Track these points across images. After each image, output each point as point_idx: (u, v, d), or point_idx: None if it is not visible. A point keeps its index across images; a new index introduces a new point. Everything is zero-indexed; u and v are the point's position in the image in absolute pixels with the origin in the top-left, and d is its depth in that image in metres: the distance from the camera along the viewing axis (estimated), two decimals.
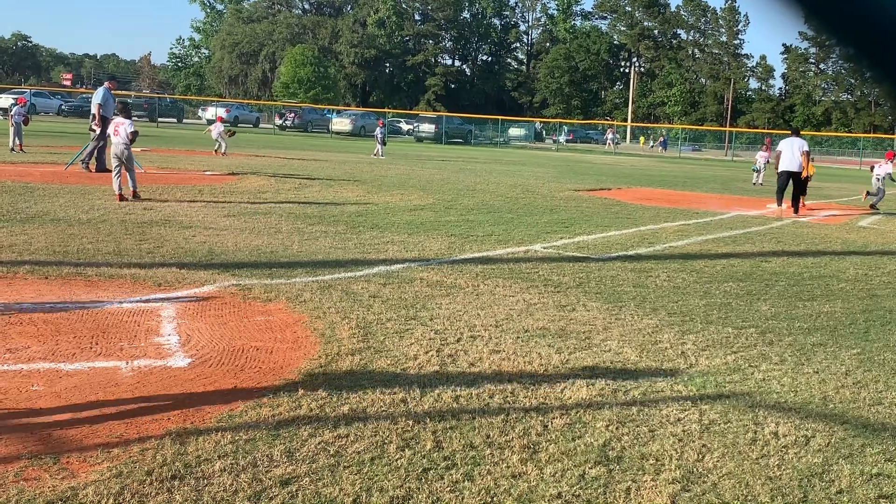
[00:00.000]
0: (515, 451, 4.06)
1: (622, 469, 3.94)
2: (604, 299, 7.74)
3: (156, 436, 4.03)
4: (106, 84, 18.79)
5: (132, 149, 13.60)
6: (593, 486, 3.74)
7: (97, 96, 18.19)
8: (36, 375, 4.87)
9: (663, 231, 13.30)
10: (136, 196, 13.54)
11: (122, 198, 13.23)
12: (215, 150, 27.04)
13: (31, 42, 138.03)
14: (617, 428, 4.46)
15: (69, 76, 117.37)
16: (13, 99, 56.28)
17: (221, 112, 50.17)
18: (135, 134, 13.50)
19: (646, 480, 3.83)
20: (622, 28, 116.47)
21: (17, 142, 22.51)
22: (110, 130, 13.84)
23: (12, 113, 23.11)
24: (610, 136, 70.70)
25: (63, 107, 60.55)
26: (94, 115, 18.08)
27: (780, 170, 18.72)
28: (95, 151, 18.10)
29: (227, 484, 3.55)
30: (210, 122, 29.35)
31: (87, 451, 3.83)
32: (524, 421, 4.48)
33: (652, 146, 79.18)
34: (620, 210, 16.46)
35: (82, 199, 12.95)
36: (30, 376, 4.85)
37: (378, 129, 33.82)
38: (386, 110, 74.32)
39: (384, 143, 33.09)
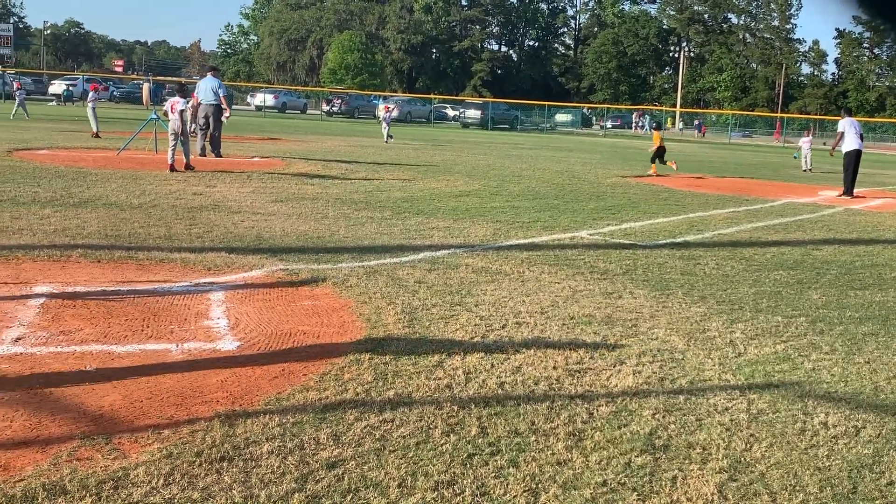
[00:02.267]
0: (560, 439, 4.06)
1: (668, 458, 3.92)
2: (651, 287, 7.67)
3: (205, 418, 4.09)
4: (209, 74, 20.07)
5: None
6: (639, 474, 3.72)
7: (216, 84, 19.30)
8: (89, 357, 4.98)
9: (712, 218, 13.14)
10: (188, 167, 15.61)
11: (172, 168, 15.18)
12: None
13: (83, 29, 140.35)
14: (663, 416, 4.43)
15: (121, 63, 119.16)
16: (66, 85, 57.53)
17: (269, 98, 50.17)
18: (183, 113, 15.48)
19: (692, 469, 3.80)
20: (671, 12, 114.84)
21: (95, 128, 23.71)
22: (167, 107, 15.92)
23: (89, 99, 24.14)
24: (637, 119, 69.87)
25: (115, 93, 61.50)
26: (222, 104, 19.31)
27: (848, 149, 18.33)
28: (215, 138, 19.20)
29: (274, 466, 3.60)
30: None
31: (138, 432, 3.90)
32: (569, 408, 4.47)
33: (683, 129, 77.50)
34: (669, 196, 16.29)
35: (134, 184, 13.16)
36: (83, 358, 4.96)
37: (384, 113, 33.33)
38: (432, 96, 74.28)
39: (388, 126, 31.92)
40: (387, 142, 30.29)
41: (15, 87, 36.93)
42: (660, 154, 21.83)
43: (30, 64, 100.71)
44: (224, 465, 3.59)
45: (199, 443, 3.79)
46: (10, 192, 11.39)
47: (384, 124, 32.12)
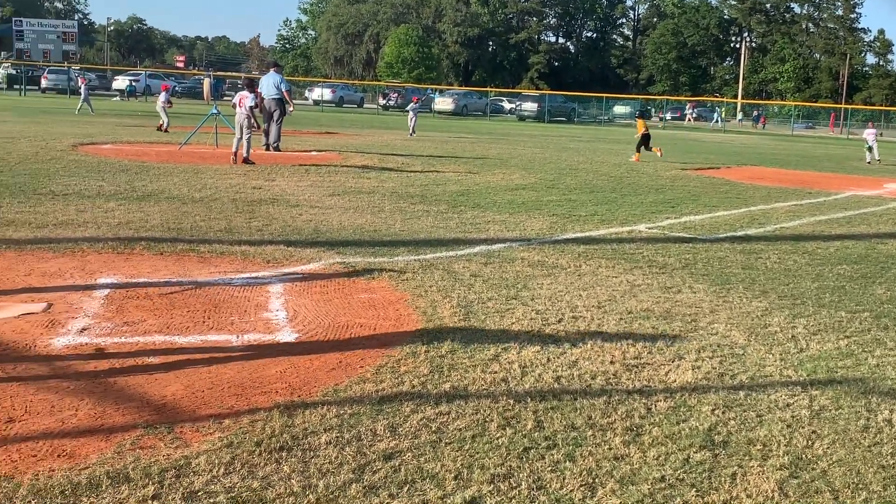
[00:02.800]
0: (618, 434, 4.03)
1: (728, 454, 3.87)
2: (711, 281, 7.57)
3: (264, 408, 4.15)
4: (272, 70, 20.47)
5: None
6: (698, 470, 3.68)
7: (278, 79, 19.74)
8: (152, 347, 5.08)
9: (774, 211, 12.91)
10: (247, 161, 15.98)
11: (245, 160, 15.93)
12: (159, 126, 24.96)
13: (146, 25, 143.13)
14: (723, 412, 4.37)
15: (182, 58, 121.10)
16: (129, 80, 58.73)
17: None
18: (252, 109, 16.10)
19: (752, 466, 3.74)
20: (733, 2, 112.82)
21: (166, 123, 24.35)
22: (236, 101, 16.54)
23: (161, 99, 24.80)
24: (689, 110, 68.75)
25: (176, 88, 62.51)
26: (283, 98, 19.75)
27: None
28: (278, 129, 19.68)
29: (332, 456, 3.64)
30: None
31: (200, 422, 3.97)
32: (627, 403, 4.44)
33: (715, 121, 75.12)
34: (729, 189, 16.04)
35: (195, 178, 13.38)
36: (146, 348, 5.06)
37: (412, 104, 31.72)
38: (488, 89, 74.11)
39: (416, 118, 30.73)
40: (412, 134, 29.34)
41: (80, 82, 37.80)
42: (645, 141, 22.61)
43: (94, 60, 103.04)
44: (283, 454, 3.64)
45: (259, 432, 3.85)
46: (75, 186, 11.66)
47: (411, 115, 30.68)
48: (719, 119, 66.88)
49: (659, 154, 22.70)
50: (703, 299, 6.86)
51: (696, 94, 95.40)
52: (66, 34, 70.99)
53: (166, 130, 23.84)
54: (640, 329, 5.89)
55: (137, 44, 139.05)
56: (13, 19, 75.09)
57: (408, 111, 31.14)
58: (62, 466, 3.44)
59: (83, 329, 5.37)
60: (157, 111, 25.24)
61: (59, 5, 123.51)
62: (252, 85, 17.38)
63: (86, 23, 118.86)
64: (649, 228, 10.63)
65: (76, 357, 4.84)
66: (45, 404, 4.11)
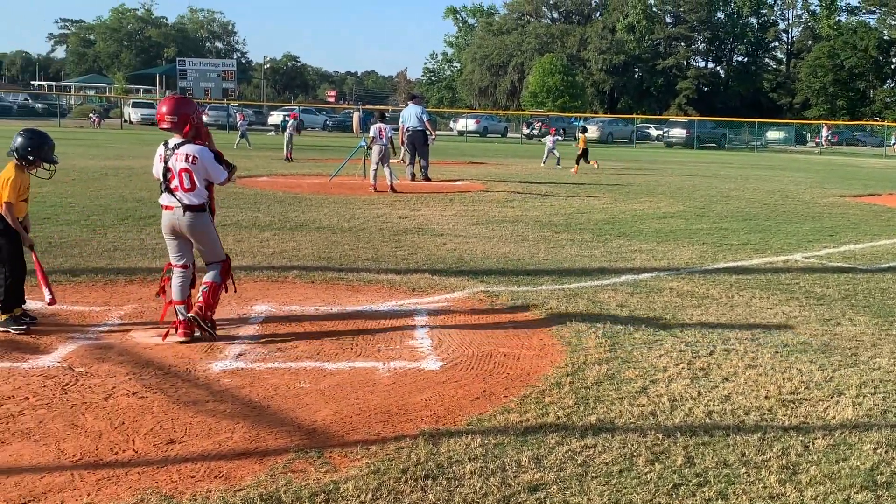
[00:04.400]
0: (773, 472, 3.86)
1: (892, 496, 3.64)
2: (872, 313, 7.17)
3: (410, 435, 4.20)
4: (410, 103, 21.25)
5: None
6: None
7: (419, 111, 20.36)
8: (303, 373, 5.24)
9: None
10: (393, 189, 16.73)
11: (378, 189, 16.69)
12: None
13: (299, 62, 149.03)
14: (886, 451, 4.12)
15: (333, 93, 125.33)
16: (284, 115, 61.27)
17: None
18: (392, 139, 17.39)
19: None
20: (893, 22, 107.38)
21: (288, 151, 26.21)
22: (375, 132, 17.26)
23: (288, 126, 26.16)
24: (825, 133, 65.22)
25: (328, 122, 64.75)
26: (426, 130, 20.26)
27: None
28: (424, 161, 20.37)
29: (476, 486, 3.63)
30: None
31: (348, 447, 4.06)
32: (783, 440, 4.24)
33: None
34: (892, 217, 15.18)
35: (344, 209, 13.78)
36: (297, 374, 5.22)
37: (549, 137, 29.60)
38: (634, 116, 73.16)
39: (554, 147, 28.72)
40: (558, 165, 27.75)
41: (238, 118, 39.62)
42: (584, 155, 25.79)
43: (251, 96, 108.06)
44: (428, 482, 3.66)
45: (405, 460, 3.89)
46: (233, 217, 12.22)
47: (551, 145, 28.54)
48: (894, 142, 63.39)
49: (595, 166, 25.79)
50: (865, 332, 6.50)
51: (855, 119, 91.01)
52: (226, 72, 74.81)
53: (290, 159, 25.39)
54: (797, 363, 5.63)
55: (291, 80, 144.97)
56: (177, 59, 79.87)
57: (544, 142, 30.22)
58: (219, 488, 3.58)
59: (239, 354, 5.59)
60: (284, 142, 26.64)
61: (220, 45, 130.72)
62: (384, 118, 18.16)
63: (244, 61, 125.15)
64: (806, 258, 10.18)
65: (233, 381, 5.04)
66: (204, 427, 4.30)
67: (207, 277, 6.00)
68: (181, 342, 5.80)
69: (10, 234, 5.95)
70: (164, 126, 5.87)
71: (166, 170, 5.82)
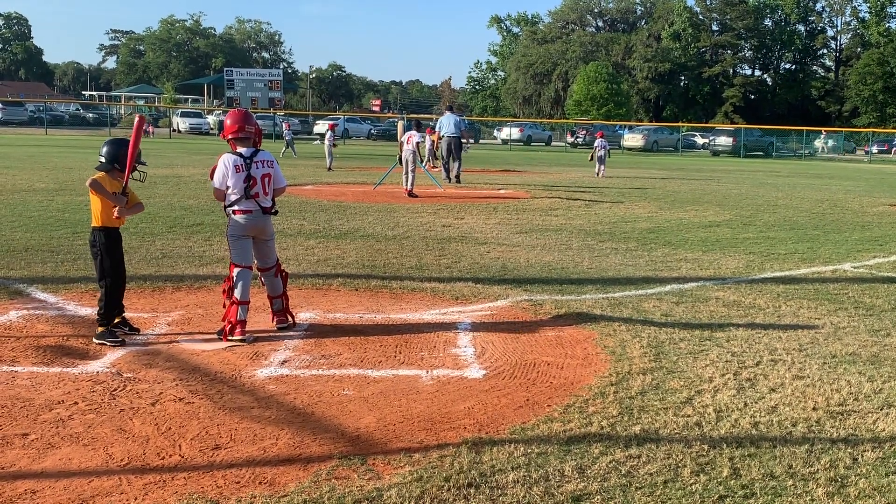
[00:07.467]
0: (821, 484, 3.79)
1: None
2: None
3: (453, 443, 4.20)
4: (448, 112, 23.27)
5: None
6: None
7: (456, 119, 22.79)
8: (347, 380, 5.27)
9: None
10: (410, 194, 17.21)
11: (411, 193, 17.27)
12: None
13: (344, 72, 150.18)
14: None
15: (378, 102, 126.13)
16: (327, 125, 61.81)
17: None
18: (418, 145, 17.92)
19: None
20: None
21: (329, 163, 26.50)
22: (403, 139, 18.29)
23: (326, 137, 26.43)
24: (825, 140, 63.30)
25: (372, 131, 65.12)
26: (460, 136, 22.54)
27: None
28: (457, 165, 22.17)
29: (519, 495, 3.62)
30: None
31: (391, 455, 4.07)
32: (831, 452, 4.17)
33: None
34: None
35: (388, 217, 13.84)
36: (341, 381, 5.25)
37: (599, 140, 27.75)
38: (680, 124, 72.52)
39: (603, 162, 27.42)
40: (601, 176, 26.67)
41: (284, 127, 39.99)
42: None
43: (297, 106, 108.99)
44: (471, 491, 3.66)
45: (448, 468, 3.89)
46: (279, 225, 12.32)
47: (601, 152, 27.28)
48: None
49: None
50: None
51: None
52: (272, 82, 75.56)
53: (329, 169, 25.60)
54: (846, 374, 5.54)
55: (337, 89, 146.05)
56: (224, 69, 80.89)
57: (595, 146, 29.28)
58: (263, 493, 3.62)
59: (284, 361, 5.64)
60: (325, 152, 26.95)
61: (266, 55, 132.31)
62: (419, 125, 19.59)
63: (290, 71, 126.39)
64: (855, 268, 10.01)
65: (278, 388, 5.09)
66: (249, 433, 4.34)
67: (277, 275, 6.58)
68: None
69: (111, 248, 6.05)
70: (241, 135, 6.29)
71: (248, 177, 6.21)
